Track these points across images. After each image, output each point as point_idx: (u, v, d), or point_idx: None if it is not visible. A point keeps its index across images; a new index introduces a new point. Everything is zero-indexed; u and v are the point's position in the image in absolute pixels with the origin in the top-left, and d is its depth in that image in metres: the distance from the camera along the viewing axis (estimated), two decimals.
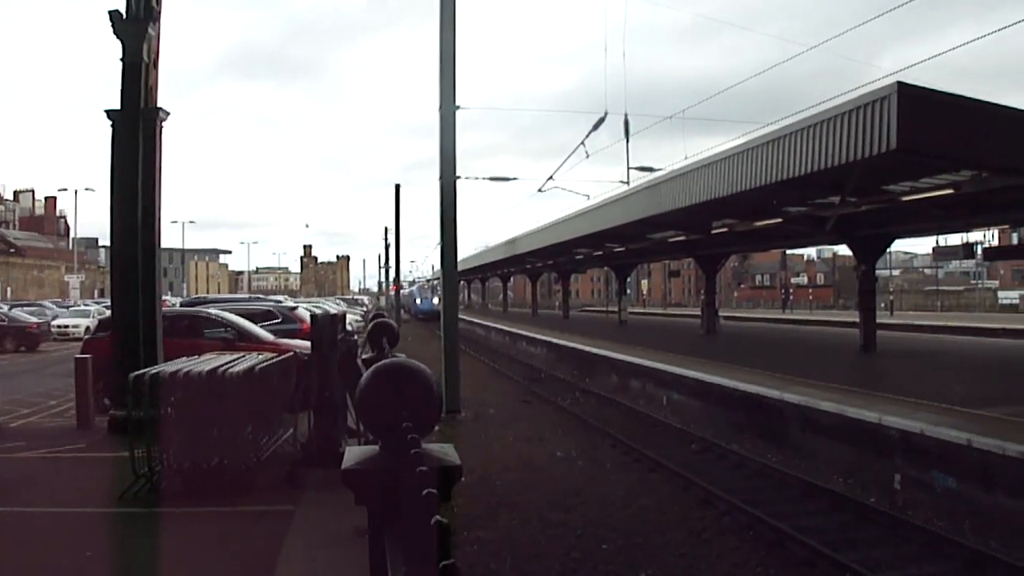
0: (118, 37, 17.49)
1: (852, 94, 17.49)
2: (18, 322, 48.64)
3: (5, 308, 54.34)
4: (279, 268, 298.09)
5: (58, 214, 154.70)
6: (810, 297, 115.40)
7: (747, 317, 78.28)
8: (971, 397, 17.89)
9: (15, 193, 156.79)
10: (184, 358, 14.20)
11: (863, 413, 16.85)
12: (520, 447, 20.39)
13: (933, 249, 45.08)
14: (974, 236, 39.20)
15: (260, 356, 14.65)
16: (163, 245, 18.62)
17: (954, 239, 42.87)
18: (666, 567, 11.90)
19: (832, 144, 17.65)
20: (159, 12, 18.02)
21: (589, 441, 21.40)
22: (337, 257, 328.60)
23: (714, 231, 33.97)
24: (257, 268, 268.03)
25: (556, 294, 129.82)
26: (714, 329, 45.80)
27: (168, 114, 18.28)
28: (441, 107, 24.58)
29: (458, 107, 24.65)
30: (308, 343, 14.76)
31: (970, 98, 16.88)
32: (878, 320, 33.51)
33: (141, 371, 13.04)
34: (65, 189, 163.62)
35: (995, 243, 53.19)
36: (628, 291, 74.61)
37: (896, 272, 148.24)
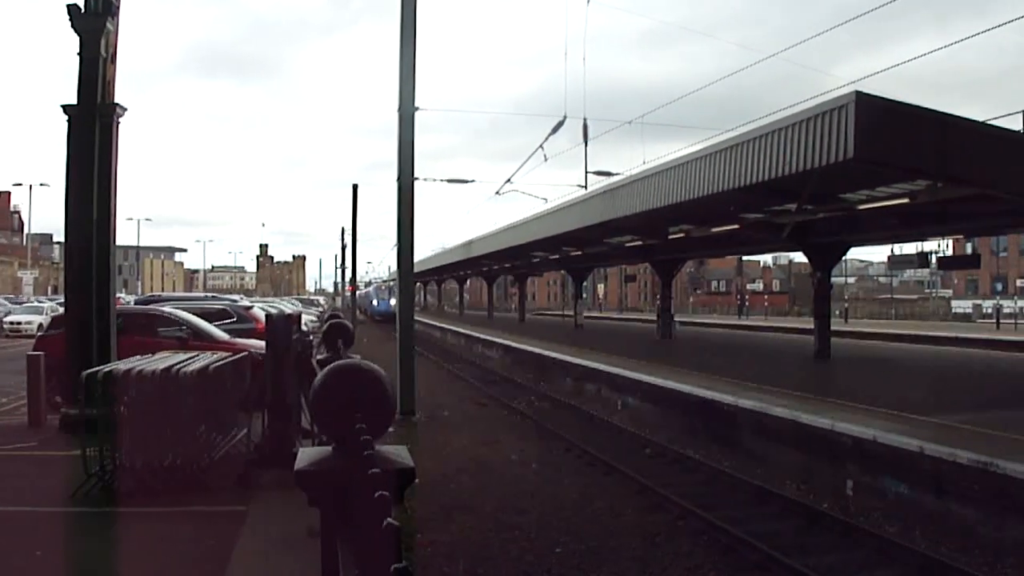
0: (76, 31, 17.34)
1: (811, 102, 17.64)
2: None
3: None
4: (235, 267, 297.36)
5: (12, 209, 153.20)
6: (766, 303, 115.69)
7: (703, 322, 78.47)
8: (924, 405, 18.02)
9: None
10: (138, 356, 14.10)
11: (816, 419, 16.96)
12: (475, 449, 20.38)
13: (888, 258, 45.36)
14: (929, 245, 39.51)
15: (214, 355, 14.57)
16: (118, 242, 18.50)
17: (909, 248, 43.09)
18: (620, 570, 11.94)
19: (790, 152, 17.76)
20: (118, 7, 17.89)
21: (544, 444, 21.43)
22: (293, 257, 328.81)
23: (671, 236, 34.12)
24: (213, 267, 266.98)
25: (512, 297, 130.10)
26: (670, 334, 45.94)
27: (125, 110, 18.16)
28: (400, 108, 24.50)
29: (417, 108, 24.59)
30: (263, 343, 14.74)
31: (927, 108, 17.03)
32: (833, 327, 33.76)
33: (94, 369, 12.95)
34: (20, 184, 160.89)
35: (950, 253, 53.64)
36: (584, 295, 74.65)
37: (851, 280, 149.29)
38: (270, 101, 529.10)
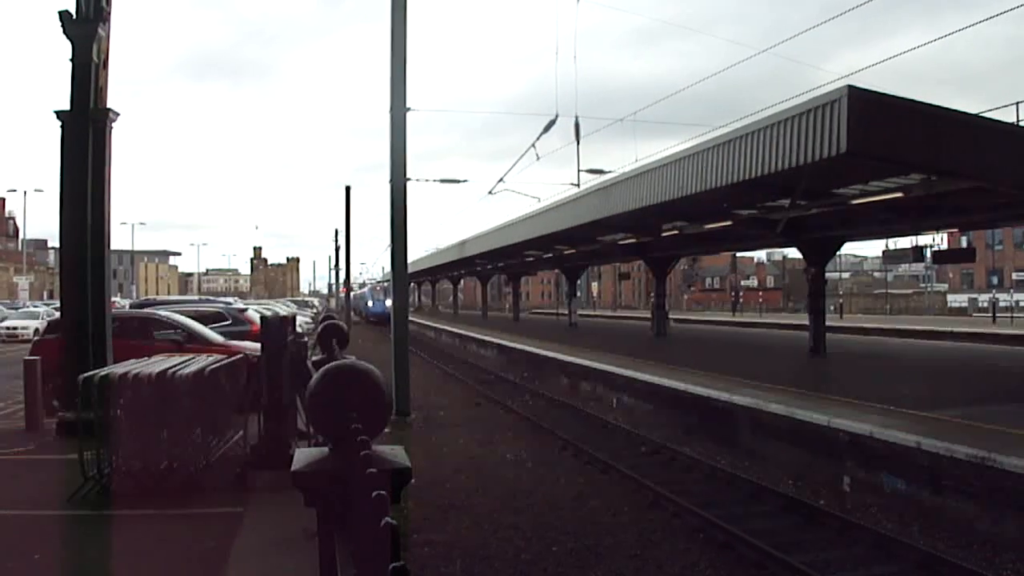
0: (68, 37, 17.33)
1: (802, 97, 17.62)
2: None
3: None
4: (229, 270, 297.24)
5: (7, 215, 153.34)
6: (760, 300, 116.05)
7: (697, 320, 78.59)
8: (920, 400, 18.06)
9: None
10: (133, 360, 14.08)
11: (812, 415, 16.97)
12: (470, 449, 20.39)
13: (883, 252, 45.23)
14: (924, 239, 39.44)
15: (210, 358, 14.55)
16: (113, 246, 18.44)
17: (904, 242, 43.07)
18: (616, 568, 11.93)
19: (783, 147, 17.76)
20: (109, 13, 17.87)
21: (539, 443, 21.43)
22: (287, 259, 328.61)
23: (664, 234, 34.15)
24: (207, 270, 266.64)
25: (506, 296, 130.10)
26: (664, 332, 45.96)
27: (118, 115, 18.14)
28: (392, 109, 24.49)
29: (409, 109, 24.57)
30: (258, 345, 14.71)
31: (920, 102, 17.02)
32: (827, 323, 33.75)
33: (90, 373, 12.92)
34: (14, 190, 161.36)
35: (944, 247, 53.64)
36: (578, 294, 74.75)
37: (846, 275, 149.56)
38: (262, 104, 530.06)
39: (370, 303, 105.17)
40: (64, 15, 17.27)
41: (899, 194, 20.95)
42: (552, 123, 28.71)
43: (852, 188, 22.67)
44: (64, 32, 17.31)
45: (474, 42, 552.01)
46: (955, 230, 51.77)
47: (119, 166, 18.78)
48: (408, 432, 21.84)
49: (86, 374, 12.84)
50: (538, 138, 30.02)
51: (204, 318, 27.44)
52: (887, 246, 47.95)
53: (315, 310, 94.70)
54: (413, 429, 22.76)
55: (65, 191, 17.59)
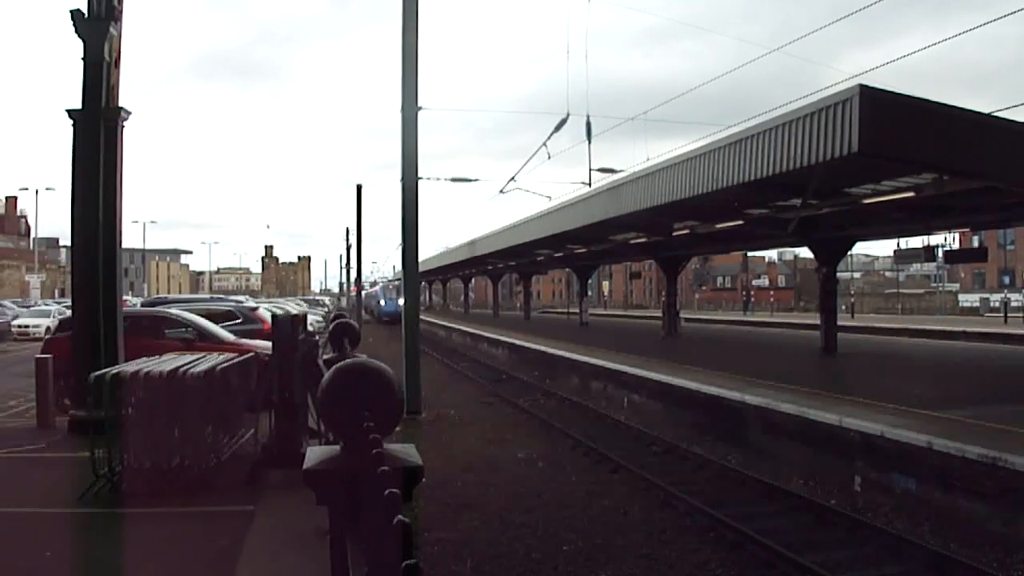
0: (80, 36, 17.34)
1: (812, 97, 17.57)
2: None
3: None
4: (240, 268, 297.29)
5: (19, 214, 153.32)
6: (771, 299, 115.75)
7: (708, 319, 78.44)
8: (931, 400, 18.03)
9: None
10: (145, 358, 14.11)
11: (823, 415, 16.95)
12: (481, 448, 20.40)
13: (894, 252, 45.26)
14: (935, 239, 39.39)
15: (221, 356, 14.56)
16: (124, 245, 18.45)
17: (915, 242, 43.07)
18: (627, 568, 11.93)
19: (794, 146, 17.72)
20: (121, 11, 17.89)
21: (550, 442, 21.43)
22: (299, 258, 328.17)
23: (675, 233, 34.08)
24: (218, 268, 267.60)
25: (517, 295, 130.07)
26: (675, 331, 45.90)
27: (130, 114, 18.15)
28: (403, 108, 24.52)
29: (420, 108, 24.61)
30: (269, 343, 14.71)
31: (931, 101, 16.95)
32: (839, 322, 33.74)
33: (102, 371, 12.94)
34: (26, 189, 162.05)
35: (956, 246, 53.56)
36: (589, 293, 74.60)
37: (857, 275, 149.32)
38: (273, 104, 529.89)
39: (383, 302, 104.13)
40: (76, 14, 17.28)
41: (911, 194, 20.90)
42: (563, 122, 28.70)
43: (863, 187, 22.62)
44: (76, 31, 17.33)
45: (486, 42, 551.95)
46: (967, 230, 51.66)
47: (131, 165, 18.77)
48: (419, 431, 21.88)
49: (97, 372, 12.87)
50: (549, 137, 30.03)
51: (215, 317, 27.46)
52: (899, 246, 47.93)
53: (326, 309, 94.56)
54: (424, 428, 22.80)
55: (77, 190, 17.61)
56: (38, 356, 19.36)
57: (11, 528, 10.76)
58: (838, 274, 33.88)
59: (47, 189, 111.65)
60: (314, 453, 4.39)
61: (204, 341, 21.46)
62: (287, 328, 13.74)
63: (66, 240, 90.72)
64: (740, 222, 28.99)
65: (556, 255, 54.44)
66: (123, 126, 17.96)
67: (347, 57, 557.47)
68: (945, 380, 22.97)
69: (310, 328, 15.67)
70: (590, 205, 32.42)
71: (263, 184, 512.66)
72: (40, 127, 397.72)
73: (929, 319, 65.94)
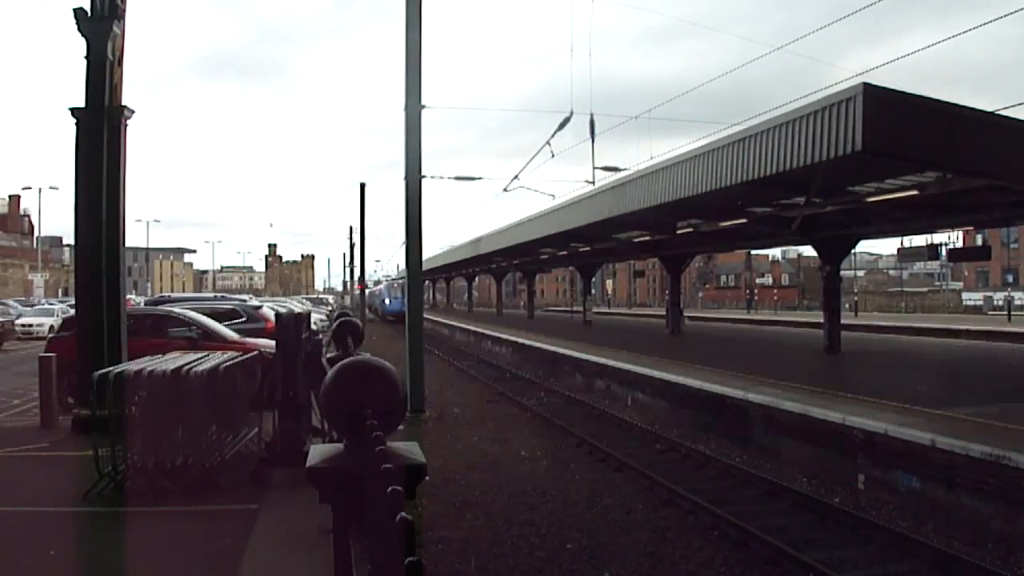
0: (83, 35, 17.38)
1: (816, 95, 17.54)
2: None
3: None
4: (244, 267, 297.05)
5: (22, 212, 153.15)
6: (775, 298, 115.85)
7: (712, 317, 78.42)
8: (935, 398, 18.01)
9: None
10: (148, 357, 14.12)
11: (827, 413, 16.93)
12: (485, 446, 20.39)
13: (898, 250, 45.33)
14: (939, 237, 39.39)
15: (225, 355, 14.58)
16: (127, 244, 18.51)
17: (919, 240, 43.19)
18: (630, 566, 11.92)
19: (797, 145, 17.68)
20: (124, 10, 17.92)
21: (554, 441, 21.43)
22: (302, 256, 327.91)
23: (679, 231, 34.04)
24: (222, 267, 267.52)
25: (521, 294, 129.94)
26: (679, 329, 45.93)
27: (133, 112, 18.19)
28: (407, 106, 24.53)
29: (424, 106, 24.62)
30: (273, 342, 14.74)
31: (935, 99, 16.91)
32: (842, 321, 33.67)
33: (105, 370, 12.95)
34: (29, 187, 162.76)
35: (959, 245, 53.57)
36: (593, 291, 74.76)
37: (861, 273, 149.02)
38: (277, 102, 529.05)
39: (387, 301, 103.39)
40: (79, 12, 17.32)
41: (914, 192, 20.86)
42: (567, 121, 28.69)
43: (867, 186, 22.59)
44: (79, 29, 17.37)
45: (489, 40, 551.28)
46: (970, 228, 51.67)
47: (134, 163, 18.83)
48: (422, 429, 21.88)
49: (101, 371, 12.88)
50: (553, 135, 30.01)
51: (219, 315, 27.48)
52: (902, 244, 48.03)
53: (330, 307, 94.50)
54: (428, 426, 22.79)
55: (80, 188, 17.65)
56: (42, 355, 19.39)
57: (15, 527, 10.78)
58: (841, 272, 33.88)
59: (51, 188, 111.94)
60: (317, 451, 4.39)
61: (208, 340, 21.47)
62: (291, 327, 13.76)
63: (70, 239, 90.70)
64: (743, 220, 28.95)
65: (560, 253, 54.38)
66: (126, 125, 18.00)
67: (350, 56, 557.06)
68: (948, 378, 22.94)
69: (314, 327, 15.68)
70: (594, 203, 32.38)
71: (267, 183, 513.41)
72: (43, 126, 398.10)
73: (932, 317, 65.86)
